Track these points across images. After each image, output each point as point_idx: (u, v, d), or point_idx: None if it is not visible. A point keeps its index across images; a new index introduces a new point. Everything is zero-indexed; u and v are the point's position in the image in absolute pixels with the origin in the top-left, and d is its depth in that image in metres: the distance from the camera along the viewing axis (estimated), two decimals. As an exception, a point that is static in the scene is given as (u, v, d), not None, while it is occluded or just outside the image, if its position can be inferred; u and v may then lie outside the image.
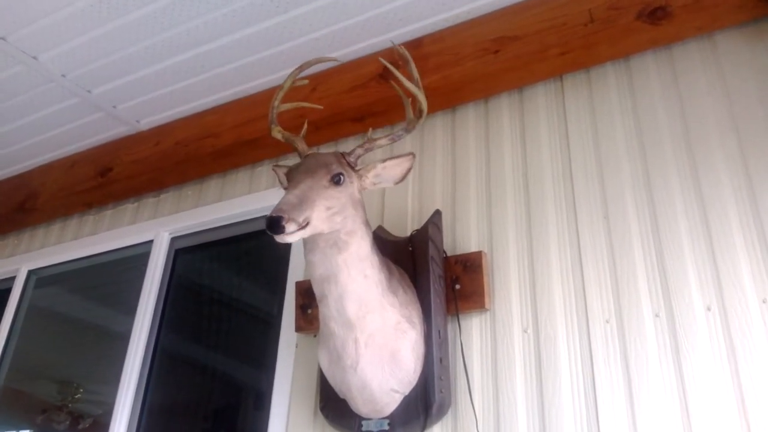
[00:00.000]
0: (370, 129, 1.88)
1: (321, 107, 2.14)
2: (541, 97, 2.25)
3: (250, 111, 2.69)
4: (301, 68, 1.96)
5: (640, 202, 1.91)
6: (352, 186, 1.76)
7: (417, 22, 2.32)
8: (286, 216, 1.54)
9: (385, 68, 2.34)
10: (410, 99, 1.83)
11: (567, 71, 2.22)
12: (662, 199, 1.89)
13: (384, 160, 1.82)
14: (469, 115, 2.37)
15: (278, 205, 1.57)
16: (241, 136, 2.70)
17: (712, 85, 1.97)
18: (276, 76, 2.59)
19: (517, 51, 2.17)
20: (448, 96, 2.35)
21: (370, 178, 1.82)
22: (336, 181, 1.70)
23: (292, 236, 1.57)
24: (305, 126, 1.94)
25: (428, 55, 2.32)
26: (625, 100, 2.09)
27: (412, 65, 1.83)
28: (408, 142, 2.45)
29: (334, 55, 2.43)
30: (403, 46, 1.87)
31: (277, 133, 1.90)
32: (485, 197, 2.18)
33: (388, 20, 2.32)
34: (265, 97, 2.59)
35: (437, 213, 2.11)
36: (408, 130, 1.83)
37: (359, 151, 1.82)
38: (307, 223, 1.59)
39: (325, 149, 2.56)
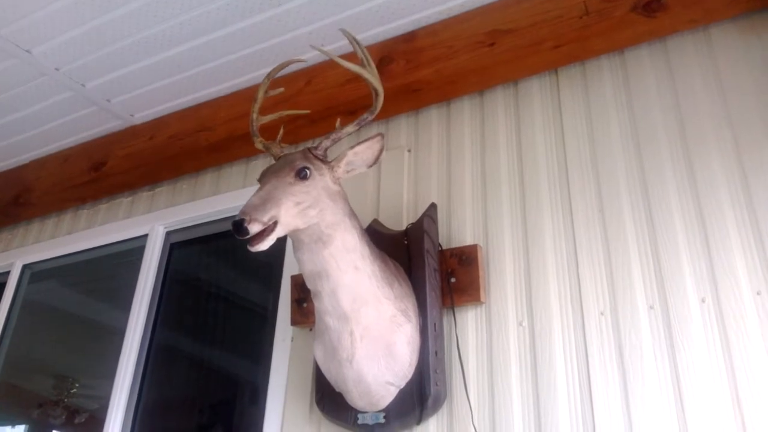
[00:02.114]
0: (338, 120, 1.85)
1: (307, 111, 2.13)
2: (536, 90, 2.25)
3: (244, 105, 2.67)
4: (269, 76, 1.95)
5: (634, 195, 1.92)
6: (323, 178, 1.75)
7: (411, 15, 2.32)
8: (248, 217, 1.55)
9: (379, 62, 2.36)
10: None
11: (562, 64, 2.22)
12: (657, 191, 1.89)
13: (353, 147, 1.80)
14: (464, 109, 2.37)
15: (242, 208, 1.58)
16: (235, 129, 2.69)
17: (707, 77, 1.97)
18: (270, 69, 2.57)
19: (512, 44, 2.17)
20: (442, 89, 2.35)
21: (342, 167, 1.81)
22: (302, 176, 1.70)
23: (264, 242, 1.58)
24: (281, 131, 1.96)
25: (422, 49, 2.32)
26: (619, 93, 2.09)
27: (357, 45, 1.79)
28: (402, 136, 2.45)
29: (328, 48, 2.42)
30: (349, 32, 1.82)
31: (259, 144, 1.92)
32: (480, 190, 2.18)
33: (381, 13, 2.31)
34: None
35: (432, 206, 2.11)
36: (372, 113, 1.81)
37: (326, 142, 1.82)
38: (275, 222, 1.60)
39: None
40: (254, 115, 1.94)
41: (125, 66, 2.65)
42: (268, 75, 1.96)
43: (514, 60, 2.20)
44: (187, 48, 2.53)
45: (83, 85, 2.78)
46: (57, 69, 2.68)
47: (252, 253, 1.59)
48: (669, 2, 1.96)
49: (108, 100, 2.88)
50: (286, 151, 1.89)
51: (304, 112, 2.10)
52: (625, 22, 2.03)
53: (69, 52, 2.59)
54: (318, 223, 1.71)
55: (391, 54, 2.37)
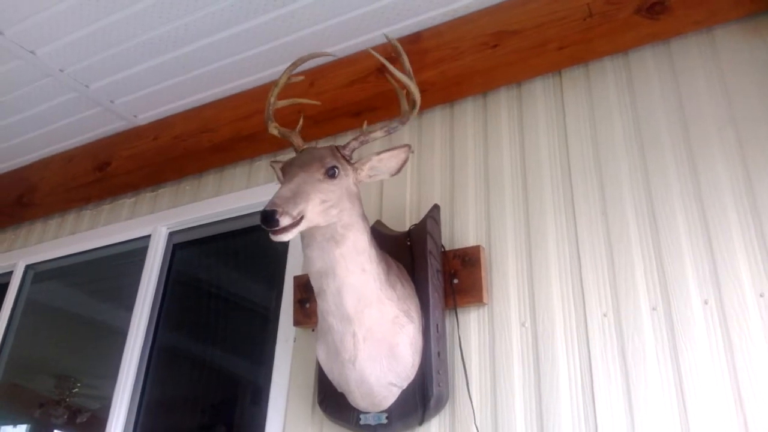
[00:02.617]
0: (365, 122, 1.87)
1: (318, 103, 2.14)
2: (539, 92, 2.25)
3: (248, 106, 2.68)
4: (295, 64, 1.95)
5: (638, 197, 1.92)
6: (347, 179, 1.75)
7: (415, 17, 2.32)
8: (280, 209, 1.53)
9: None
10: (404, 91, 1.83)
11: (565, 66, 2.22)
12: (660, 194, 1.89)
13: (379, 153, 1.81)
14: (468, 110, 2.37)
15: (272, 198, 1.56)
16: (239, 130, 2.69)
17: (711, 79, 1.97)
18: (274, 70, 2.59)
19: (516, 45, 2.17)
20: (446, 90, 2.35)
21: (365, 171, 1.82)
22: (330, 174, 1.70)
23: (288, 233, 1.57)
24: (301, 121, 1.95)
25: (427, 50, 2.32)
26: (623, 95, 2.09)
27: (405, 57, 1.82)
28: (406, 137, 2.45)
29: (331, 50, 2.43)
30: (396, 40, 1.87)
31: (274, 129, 1.90)
32: (483, 192, 2.18)
33: (387, 14, 2.31)
34: (263, 91, 2.58)
35: (435, 207, 2.11)
36: (403, 122, 1.83)
37: (354, 144, 1.82)
38: (302, 217, 1.59)
39: (324, 144, 2.56)
40: (272, 99, 1.91)
41: (129, 67, 2.66)
42: (294, 63, 1.95)
43: (518, 61, 2.21)
44: (191, 49, 2.53)
45: (87, 86, 2.79)
46: (61, 70, 2.69)
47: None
48: (673, 4, 1.97)
49: (112, 101, 2.88)
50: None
51: (315, 103, 2.11)
52: (629, 24, 2.03)
53: (73, 53, 2.59)
54: (336, 222, 1.71)
55: (390, 54, 2.37)
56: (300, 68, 2.51)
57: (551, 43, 2.14)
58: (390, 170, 1.84)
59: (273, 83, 1.94)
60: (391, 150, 1.82)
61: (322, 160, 1.72)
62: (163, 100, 2.86)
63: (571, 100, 2.17)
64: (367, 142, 1.83)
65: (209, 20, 2.38)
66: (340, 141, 2.53)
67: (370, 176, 1.84)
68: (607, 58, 2.17)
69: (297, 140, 1.88)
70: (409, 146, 1.82)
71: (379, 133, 1.82)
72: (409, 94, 1.82)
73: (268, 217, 1.52)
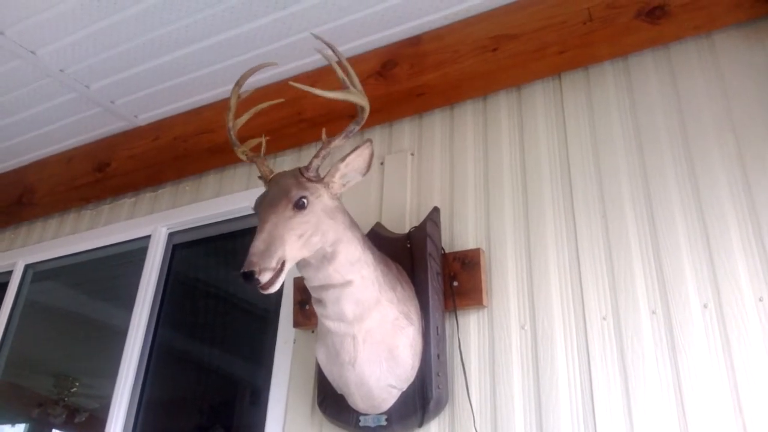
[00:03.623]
0: (324, 131, 1.82)
1: (282, 100, 2.07)
2: (539, 96, 2.26)
3: (248, 107, 2.68)
4: (239, 83, 1.92)
5: (637, 200, 1.92)
6: (320, 200, 1.72)
7: (415, 20, 2.32)
8: (257, 268, 1.53)
9: (384, 66, 2.37)
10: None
11: (565, 69, 2.22)
12: (659, 197, 1.90)
13: (343, 159, 1.78)
14: (468, 113, 2.37)
15: (248, 257, 1.56)
16: (239, 132, 2.69)
17: (710, 84, 1.98)
18: (275, 71, 2.59)
19: (516, 49, 2.18)
20: (446, 94, 2.36)
21: (337, 182, 1.79)
22: (299, 206, 1.66)
23: (274, 285, 1.56)
24: (263, 144, 1.92)
25: (427, 53, 2.33)
26: (623, 99, 2.10)
27: (334, 66, 1.76)
28: (406, 140, 2.46)
29: (330, 52, 2.43)
30: (323, 39, 1.81)
31: (242, 154, 1.90)
32: (483, 195, 2.18)
33: (387, 17, 2.32)
34: (263, 93, 2.58)
35: (435, 210, 2.12)
36: (357, 123, 1.79)
37: (316, 162, 1.77)
38: (284, 262, 1.59)
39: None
40: (230, 123, 1.89)
41: (130, 68, 2.66)
42: (238, 81, 1.93)
43: (518, 65, 2.21)
44: (191, 50, 2.53)
45: (88, 87, 2.79)
46: (62, 70, 2.69)
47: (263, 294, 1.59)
48: (673, 9, 1.97)
49: (112, 102, 2.89)
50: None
51: (279, 101, 2.03)
52: (629, 28, 2.04)
53: (74, 54, 2.59)
54: (322, 246, 1.71)
55: (395, 58, 2.38)
56: (299, 71, 2.53)
57: (551, 47, 2.14)
58: (360, 170, 1.81)
59: (282, 83, 1.92)
60: (354, 151, 1.79)
61: (288, 194, 1.68)
62: (164, 101, 2.87)
63: (571, 104, 2.18)
64: (328, 154, 1.79)
65: (210, 22, 2.38)
66: (338, 143, 2.55)
67: (344, 184, 1.81)
68: (607, 62, 2.18)
69: (263, 169, 1.86)
70: (370, 140, 1.80)
71: (338, 141, 1.79)
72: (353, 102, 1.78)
73: (249, 278, 1.52)
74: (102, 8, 2.35)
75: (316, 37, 1.80)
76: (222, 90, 2.75)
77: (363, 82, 2.41)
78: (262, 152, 1.90)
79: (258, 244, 1.59)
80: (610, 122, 2.08)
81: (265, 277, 1.54)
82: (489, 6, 2.24)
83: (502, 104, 2.32)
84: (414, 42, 2.37)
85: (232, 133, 1.91)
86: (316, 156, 1.78)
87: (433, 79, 2.30)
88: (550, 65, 2.20)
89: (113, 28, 2.45)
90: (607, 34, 2.07)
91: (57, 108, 2.95)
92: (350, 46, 2.44)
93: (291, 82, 1.76)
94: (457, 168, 2.29)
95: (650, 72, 2.09)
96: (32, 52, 2.59)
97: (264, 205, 1.70)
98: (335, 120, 2.53)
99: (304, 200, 1.67)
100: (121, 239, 3.09)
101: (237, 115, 1.93)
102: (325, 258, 1.72)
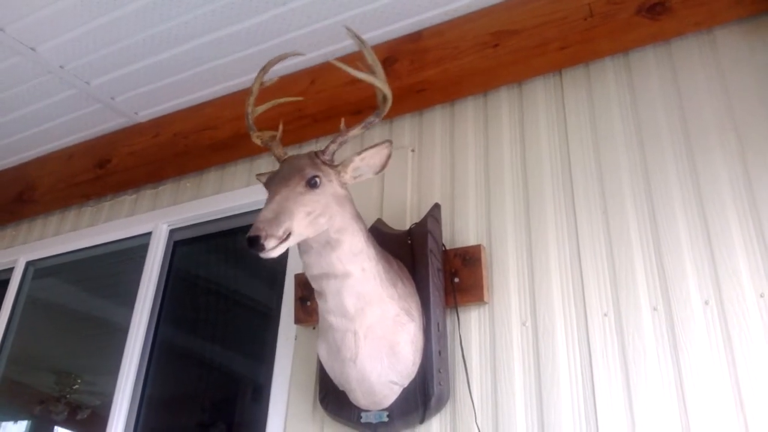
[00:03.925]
0: (342, 121, 1.83)
1: (301, 98, 2.09)
2: (540, 92, 2.25)
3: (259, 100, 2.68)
4: (265, 69, 1.93)
5: (638, 197, 1.92)
6: (331, 185, 1.73)
7: (416, 16, 2.32)
8: (263, 233, 1.53)
9: (384, 62, 2.36)
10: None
11: (566, 66, 2.22)
12: (660, 193, 1.90)
13: (360, 153, 1.79)
14: (468, 109, 2.37)
15: (255, 222, 1.56)
16: (239, 128, 2.69)
17: (711, 80, 1.97)
18: (275, 68, 2.57)
19: (517, 45, 2.18)
20: (447, 90, 2.36)
21: (349, 173, 1.80)
22: (312, 184, 1.68)
23: (275, 251, 1.57)
24: (280, 128, 1.93)
25: (427, 49, 2.32)
26: (623, 95, 2.10)
27: (368, 51, 1.77)
28: (407, 136, 2.45)
29: (332, 48, 2.44)
30: (353, 30, 1.80)
31: (256, 138, 1.90)
32: (484, 191, 2.18)
33: (387, 13, 2.32)
34: (264, 89, 2.58)
35: (436, 206, 2.12)
36: (378, 116, 1.79)
37: (333, 147, 1.79)
38: (289, 234, 1.59)
39: (324, 142, 2.56)
40: (250, 108, 1.91)
41: (130, 64, 2.66)
42: (264, 67, 1.94)
43: (519, 61, 2.21)
44: (192, 46, 2.53)
45: (88, 83, 2.78)
46: (62, 67, 2.69)
47: (259, 257, 1.59)
48: (674, 5, 1.97)
49: (113, 98, 2.88)
50: (289, 152, 1.88)
51: (298, 99, 2.05)
52: (629, 24, 2.04)
53: (74, 50, 2.59)
54: (327, 229, 1.71)
55: (396, 54, 2.38)
56: (300, 67, 2.53)
57: (552, 43, 2.14)
58: (374, 168, 1.82)
59: (280, 79, 1.92)
60: (372, 148, 1.79)
61: (302, 171, 1.70)
62: (164, 98, 2.86)
63: (572, 99, 2.18)
64: (345, 142, 1.80)
65: (210, 18, 2.38)
66: (356, 132, 2.55)
67: (355, 177, 1.81)
68: (608, 58, 2.17)
69: (277, 151, 1.87)
70: (390, 142, 1.80)
71: (356, 130, 1.79)
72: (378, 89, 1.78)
73: (253, 242, 1.53)
74: (102, 4, 2.35)
75: (348, 29, 1.81)
76: (222, 86, 2.75)
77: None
78: (278, 136, 1.90)
79: (266, 213, 1.60)
80: (611, 118, 2.08)
81: (270, 244, 1.54)
82: (490, 2, 2.24)
83: (503, 100, 2.31)
84: (414, 38, 2.37)
85: (250, 117, 1.92)
86: (333, 141, 1.79)
87: (434, 75, 2.30)
88: (551, 61, 2.20)
89: (113, 25, 2.44)
90: (607, 29, 2.07)
91: (57, 105, 2.95)
92: (350, 42, 2.43)
93: (332, 60, 1.75)
94: (457, 164, 2.29)
95: (651, 68, 2.09)
96: (32, 49, 2.59)
97: (275, 182, 1.71)
98: (335, 117, 2.52)
99: (317, 179, 1.69)
100: (121, 236, 3.10)
101: (257, 102, 1.93)
102: (329, 244, 1.72)
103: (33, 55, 2.61)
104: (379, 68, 1.78)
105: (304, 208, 1.64)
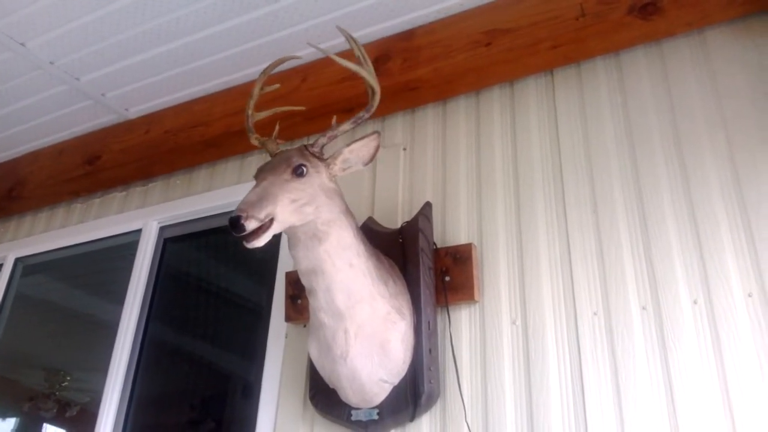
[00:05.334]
0: (334, 117, 1.84)
1: (303, 108, 2.12)
2: (531, 91, 2.26)
3: (239, 101, 2.67)
4: (265, 72, 1.95)
5: (628, 196, 1.93)
6: (319, 176, 1.75)
7: (408, 14, 2.32)
8: (244, 214, 1.54)
9: (377, 60, 2.36)
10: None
11: (558, 65, 2.22)
12: (650, 193, 1.90)
13: (348, 145, 1.80)
14: (460, 108, 2.37)
15: (239, 204, 1.58)
16: (230, 125, 2.69)
17: (702, 80, 1.98)
18: (266, 66, 2.57)
19: (509, 44, 2.18)
20: (439, 88, 2.36)
21: (338, 165, 1.81)
22: (299, 173, 1.69)
23: (259, 239, 1.58)
24: (277, 128, 1.95)
25: (420, 47, 2.32)
26: (614, 95, 2.10)
27: (353, 43, 1.79)
28: (398, 134, 2.45)
29: (324, 46, 2.42)
30: (342, 27, 1.84)
31: (255, 140, 1.93)
32: (475, 190, 2.19)
33: (380, 11, 2.31)
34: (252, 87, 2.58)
35: (427, 205, 2.12)
36: (368, 111, 1.81)
37: (322, 140, 1.81)
38: (272, 219, 1.60)
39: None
40: (250, 111, 1.94)
41: (120, 60, 2.64)
42: (264, 71, 1.96)
43: (511, 60, 2.21)
44: (183, 43, 2.52)
45: (78, 79, 2.77)
46: (52, 62, 2.67)
47: (246, 248, 1.59)
48: (665, 5, 1.98)
49: (103, 94, 2.87)
50: (282, 148, 1.89)
51: (299, 108, 2.08)
52: (621, 24, 2.04)
53: (64, 46, 2.58)
54: (314, 220, 1.71)
55: (388, 52, 2.38)
56: (293, 63, 2.52)
57: (544, 42, 2.14)
58: (363, 160, 1.83)
59: (239, 88, 1.94)
60: (361, 139, 1.81)
61: (289, 160, 1.72)
62: (155, 94, 2.85)
63: (563, 99, 2.18)
64: (335, 137, 1.82)
65: (201, 14, 2.37)
66: (347, 127, 2.54)
67: (344, 169, 1.83)
68: (600, 57, 2.18)
69: (271, 146, 1.89)
70: (378, 133, 1.82)
71: (346, 125, 1.81)
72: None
73: (234, 223, 1.53)
74: (92, 0, 2.33)
75: (338, 28, 1.83)
76: (213, 83, 2.75)
77: (354, 76, 2.39)
78: (274, 134, 1.93)
79: (250, 196, 1.62)
80: (601, 118, 2.08)
81: (250, 225, 1.55)
82: (482, 1, 2.24)
83: (495, 99, 2.32)
84: (407, 36, 2.37)
85: (250, 121, 1.94)
86: (322, 135, 1.81)
87: (426, 73, 2.30)
88: (543, 60, 2.20)
89: (103, 21, 2.43)
90: (599, 29, 2.07)
91: (47, 101, 2.93)
92: (342, 40, 2.41)
93: (332, 56, 1.76)
94: (449, 163, 2.29)
95: (642, 68, 2.10)
96: (22, 44, 2.57)
97: (263, 171, 1.74)
98: (327, 115, 2.50)
99: (304, 168, 1.71)
100: (111, 233, 3.08)
101: (256, 107, 1.95)
102: (316, 236, 1.73)
103: (23, 51, 2.60)
104: (368, 62, 1.80)
105: (289, 195, 1.65)
